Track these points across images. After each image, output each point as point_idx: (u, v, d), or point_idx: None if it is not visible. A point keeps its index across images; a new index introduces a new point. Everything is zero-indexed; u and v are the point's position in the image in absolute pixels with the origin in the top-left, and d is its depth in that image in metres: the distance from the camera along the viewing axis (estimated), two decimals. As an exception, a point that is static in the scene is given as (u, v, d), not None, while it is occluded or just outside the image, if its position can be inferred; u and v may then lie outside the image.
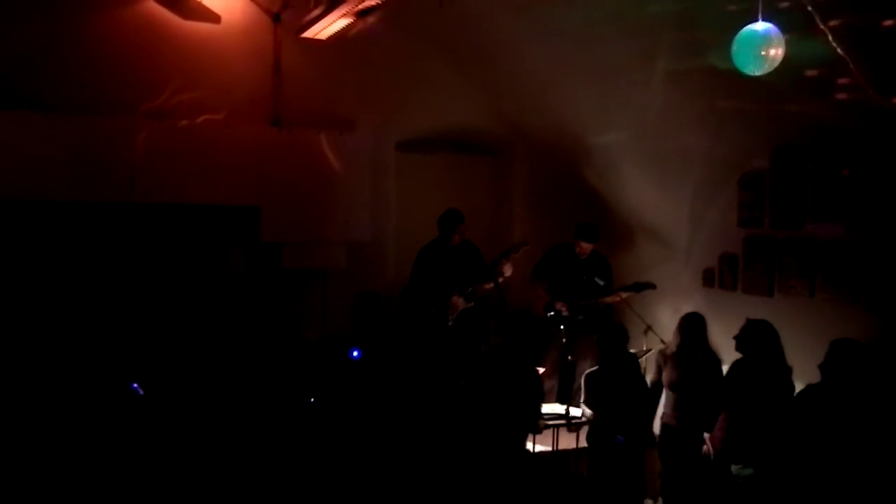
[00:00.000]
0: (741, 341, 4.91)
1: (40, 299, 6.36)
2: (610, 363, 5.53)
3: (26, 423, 5.29)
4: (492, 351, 5.67)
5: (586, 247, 6.81)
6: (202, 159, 6.60)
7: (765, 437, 4.67)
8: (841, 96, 4.76)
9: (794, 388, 4.77)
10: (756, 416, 4.75)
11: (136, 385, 5.47)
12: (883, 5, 4.03)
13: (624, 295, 6.66)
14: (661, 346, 5.84)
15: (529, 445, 5.53)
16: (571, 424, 5.77)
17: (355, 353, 5.71)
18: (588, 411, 5.59)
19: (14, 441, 5.03)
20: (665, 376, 5.51)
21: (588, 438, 5.60)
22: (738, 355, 5.01)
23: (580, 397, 5.75)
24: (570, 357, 6.52)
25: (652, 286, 6.59)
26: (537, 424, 5.36)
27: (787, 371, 4.81)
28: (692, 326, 5.47)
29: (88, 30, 6.42)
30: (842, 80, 4.55)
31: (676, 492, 5.43)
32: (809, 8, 4.09)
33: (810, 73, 4.67)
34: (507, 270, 6.60)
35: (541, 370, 6.06)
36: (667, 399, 5.54)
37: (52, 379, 5.90)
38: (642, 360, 6.35)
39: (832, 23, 4.19)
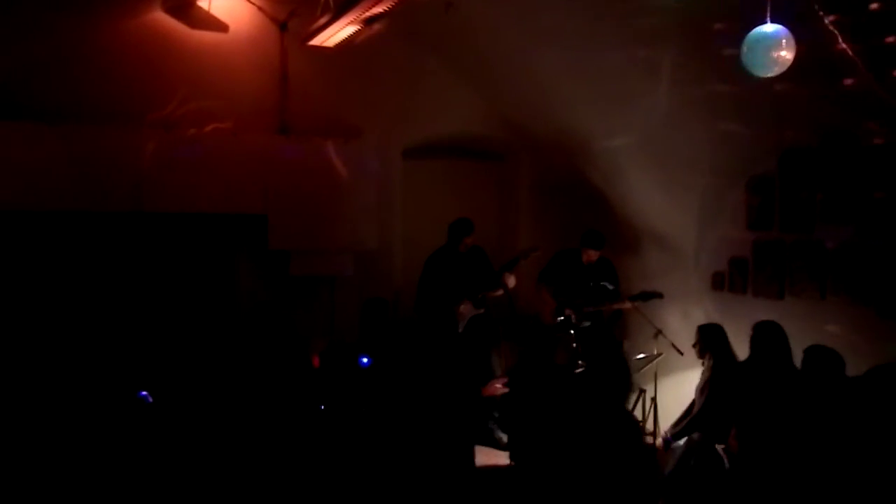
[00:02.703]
0: (752, 344, 4.92)
1: (50, 309, 6.37)
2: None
3: (35, 430, 5.30)
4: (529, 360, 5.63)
5: (593, 254, 6.80)
6: (210, 168, 6.63)
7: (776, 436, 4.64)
8: (849, 98, 4.75)
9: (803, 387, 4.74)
10: (766, 417, 4.73)
11: (145, 393, 5.47)
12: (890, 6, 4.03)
13: (633, 303, 6.64)
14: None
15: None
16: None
17: (364, 361, 5.70)
18: None
19: (25, 446, 5.04)
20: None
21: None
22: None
23: None
24: (579, 362, 6.49)
25: (659, 295, 6.55)
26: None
27: (795, 371, 4.80)
28: (708, 338, 5.48)
29: (96, 40, 6.45)
30: (850, 82, 4.54)
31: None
32: (819, 10, 4.09)
33: (819, 74, 4.65)
34: (511, 282, 6.59)
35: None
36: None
37: (62, 387, 5.91)
38: (653, 365, 6.34)
39: (841, 23, 4.18)
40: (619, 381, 5.43)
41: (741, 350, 5.24)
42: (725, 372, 5.39)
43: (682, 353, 6.09)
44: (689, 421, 5.46)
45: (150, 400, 5.43)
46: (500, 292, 6.58)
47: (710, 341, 5.54)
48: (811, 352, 4.61)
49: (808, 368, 4.50)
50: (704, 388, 5.49)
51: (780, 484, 4.40)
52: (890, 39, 4.17)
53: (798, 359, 4.82)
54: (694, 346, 5.68)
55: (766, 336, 4.95)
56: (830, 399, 4.35)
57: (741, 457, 4.86)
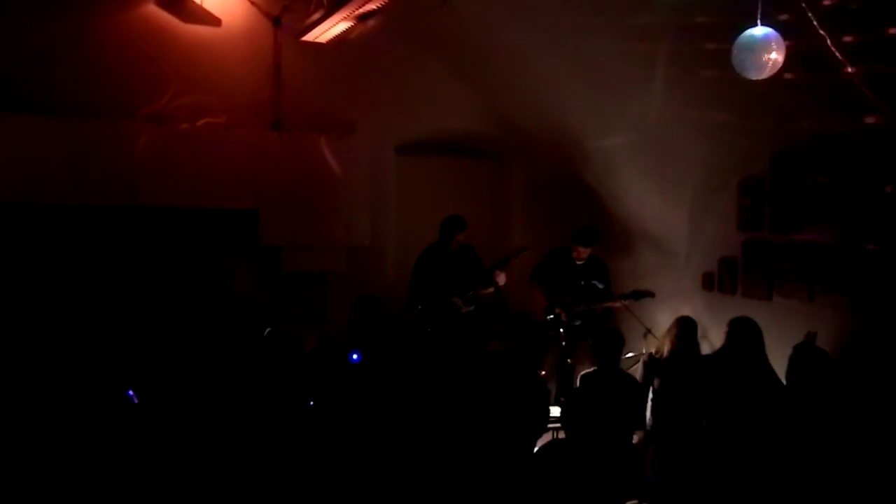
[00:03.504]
0: (727, 338, 4.94)
1: (41, 303, 6.36)
2: (607, 368, 5.51)
3: (24, 426, 5.29)
4: (495, 357, 5.68)
5: (584, 251, 6.82)
6: (202, 163, 6.62)
7: (752, 433, 4.66)
8: (839, 100, 4.77)
9: (780, 383, 4.76)
10: (739, 413, 4.75)
11: (131, 392, 5.46)
12: (882, 10, 4.05)
13: (624, 302, 6.67)
14: (651, 351, 5.84)
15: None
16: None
17: (355, 357, 5.71)
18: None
19: (13, 444, 5.04)
20: (655, 380, 5.50)
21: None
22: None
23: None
24: (568, 360, 6.53)
25: (650, 294, 6.59)
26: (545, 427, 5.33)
27: (768, 367, 4.83)
28: (685, 331, 5.47)
29: (89, 33, 6.44)
30: (840, 85, 4.55)
31: (663, 494, 5.40)
32: (809, 13, 4.11)
33: (809, 77, 4.67)
34: (501, 280, 6.61)
35: (541, 373, 6.08)
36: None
37: (51, 383, 5.90)
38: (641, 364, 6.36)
39: (831, 28, 4.21)
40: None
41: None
42: (685, 364, 5.40)
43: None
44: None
45: (136, 401, 5.41)
46: (491, 290, 6.60)
47: (683, 332, 5.52)
48: (799, 349, 4.62)
49: (795, 366, 4.52)
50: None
51: (751, 474, 4.43)
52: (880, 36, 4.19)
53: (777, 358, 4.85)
54: (669, 332, 5.67)
55: (742, 331, 4.97)
56: (816, 398, 4.38)
57: (712, 448, 4.88)
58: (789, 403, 4.45)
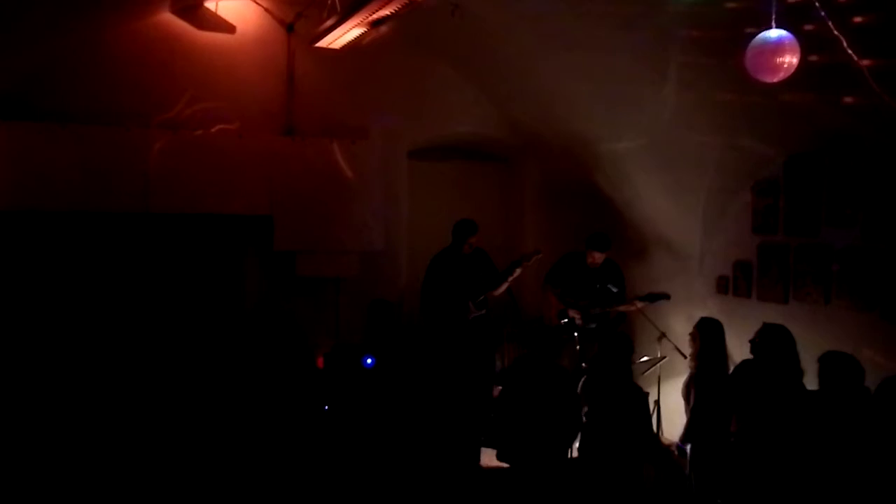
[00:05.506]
0: (757, 344, 4.89)
1: (57, 309, 6.40)
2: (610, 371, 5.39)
3: (38, 430, 5.33)
4: (522, 360, 5.63)
5: (598, 257, 6.81)
6: (216, 169, 6.65)
7: (773, 438, 4.63)
8: (855, 103, 4.75)
9: (805, 391, 4.73)
10: (764, 418, 4.71)
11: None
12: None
13: (639, 305, 6.65)
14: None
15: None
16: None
17: (368, 361, 5.73)
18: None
19: (24, 446, 5.07)
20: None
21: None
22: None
23: None
24: (583, 364, 6.51)
25: (666, 297, 6.57)
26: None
27: (799, 375, 4.78)
28: (711, 334, 5.45)
29: (104, 41, 6.50)
30: (856, 87, 4.53)
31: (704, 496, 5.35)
32: (823, 13, 4.09)
33: (824, 79, 4.65)
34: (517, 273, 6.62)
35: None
36: None
37: (67, 387, 5.94)
38: (656, 368, 6.35)
39: (846, 29, 4.19)
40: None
41: (743, 354, 5.23)
42: (713, 373, 5.36)
43: (685, 357, 6.09)
44: (686, 426, 5.45)
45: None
46: (504, 287, 6.61)
47: (706, 335, 5.49)
48: (828, 359, 4.56)
49: (827, 375, 4.47)
50: (689, 391, 5.46)
51: (777, 480, 4.40)
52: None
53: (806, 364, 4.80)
54: (691, 334, 5.63)
55: (774, 338, 4.92)
56: (847, 407, 4.33)
57: (740, 453, 4.85)
58: (821, 410, 4.40)
